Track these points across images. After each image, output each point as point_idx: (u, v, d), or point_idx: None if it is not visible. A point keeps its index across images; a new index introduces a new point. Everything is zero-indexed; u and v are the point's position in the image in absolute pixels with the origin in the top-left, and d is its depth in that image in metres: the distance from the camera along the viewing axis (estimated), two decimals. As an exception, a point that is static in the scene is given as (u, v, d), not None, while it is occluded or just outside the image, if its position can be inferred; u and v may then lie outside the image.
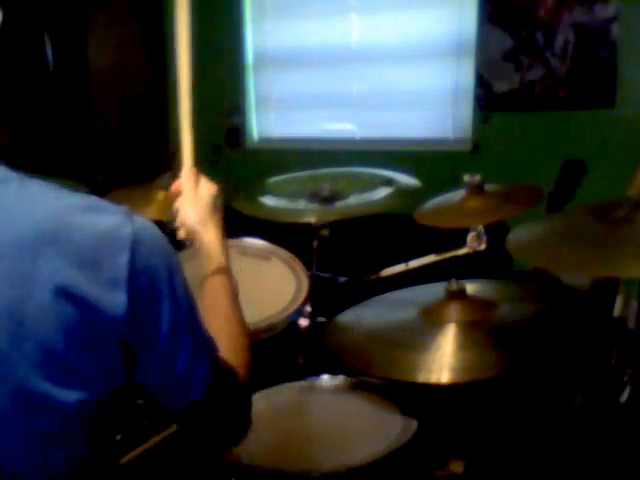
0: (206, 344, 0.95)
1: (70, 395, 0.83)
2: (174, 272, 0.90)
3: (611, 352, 1.61)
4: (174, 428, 1.59)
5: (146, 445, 1.55)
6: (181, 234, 1.25)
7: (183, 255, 1.91)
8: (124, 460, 1.49)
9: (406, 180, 2.02)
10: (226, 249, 1.19)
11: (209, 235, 1.20)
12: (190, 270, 1.73)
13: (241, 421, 1.02)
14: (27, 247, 0.81)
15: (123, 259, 0.84)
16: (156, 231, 0.91)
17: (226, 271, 1.16)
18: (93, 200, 0.89)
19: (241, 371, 1.00)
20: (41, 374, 0.81)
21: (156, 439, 1.58)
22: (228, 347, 1.00)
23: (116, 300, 0.83)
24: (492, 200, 1.74)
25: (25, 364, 0.80)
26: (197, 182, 1.28)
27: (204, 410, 0.95)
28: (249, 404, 1.03)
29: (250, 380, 1.02)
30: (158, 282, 0.87)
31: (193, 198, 1.26)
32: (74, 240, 0.83)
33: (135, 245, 0.85)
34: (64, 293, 0.81)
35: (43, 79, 1.02)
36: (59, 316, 0.81)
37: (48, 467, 0.85)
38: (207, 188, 1.26)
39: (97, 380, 0.86)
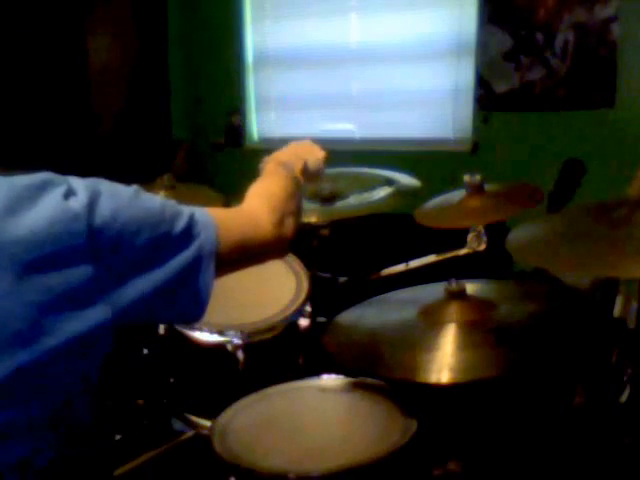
0: (198, 240, 0.95)
1: (48, 384, 0.84)
2: (131, 207, 0.89)
3: (611, 352, 1.61)
4: (170, 443, 1.60)
5: (142, 458, 1.55)
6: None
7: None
8: (119, 472, 1.49)
9: (406, 180, 2.02)
10: (292, 164, 1.28)
11: (281, 153, 1.33)
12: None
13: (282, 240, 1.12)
14: None
15: (80, 226, 0.83)
16: (92, 182, 0.89)
17: (278, 162, 1.28)
18: (35, 177, 0.86)
19: (270, 223, 1.09)
20: (18, 362, 0.80)
21: (152, 453, 1.58)
22: (256, 196, 1.16)
23: (79, 270, 0.82)
24: (492, 200, 1.74)
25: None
26: None
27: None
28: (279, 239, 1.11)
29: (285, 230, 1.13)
30: (123, 227, 0.87)
31: (290, 144, 1.40)
32: (26, 226, 0.81)
33: (86, 208, 0.84)
34: (28, 281, 0.79)
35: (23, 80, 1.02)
36: (27, 304, 0.80)
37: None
38: (307, 141, 1.42)
39: (73, 366, 0.86)
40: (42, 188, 0.84)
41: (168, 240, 0.92)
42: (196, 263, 0.94)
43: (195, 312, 0.99)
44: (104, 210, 0.86)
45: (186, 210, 0.97)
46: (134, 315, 0.90)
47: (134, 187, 0.94)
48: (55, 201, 0.83)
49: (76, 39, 3.43)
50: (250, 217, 1.10)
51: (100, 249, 0.84)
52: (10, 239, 0.80)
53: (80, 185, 0.87)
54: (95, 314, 0.84)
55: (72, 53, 3.40)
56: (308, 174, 1.32)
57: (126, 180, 0.95)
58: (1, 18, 2.96)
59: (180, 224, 0.94)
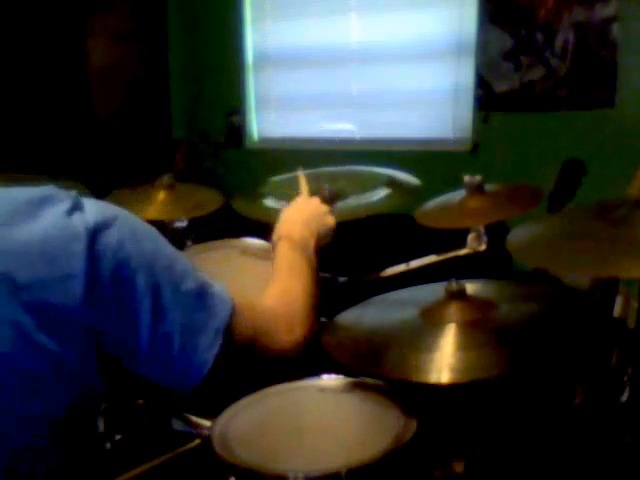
0: (207, 311, 0.89)
1: (35, 405, 0.80)
2: (142, 243, 0.85)
3: (611, 352, 1.61)
4: (171, 454, 1.60)
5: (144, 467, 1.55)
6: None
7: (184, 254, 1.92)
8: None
9: (406, 178, 2.02)
10: (305, 242, 1.19)
11: (292, 224, 1.22)
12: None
13: (291, 353, 1.03)
14: None
15: (79, 248, 0.79)
16: (109, 208, 0.86)
17: (291, 241, 1.17)
18: (36, 191, 0.84)
19: (284, 321, 1.01)
20: (3, 385, 0.78)
21: (154, 462, 1.57)
22: (275, 300, 1.05)
23: (74, 295, 0.79)
24: (492, 200, 1.74)
25: None
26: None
27: (221, 374, 0.94)
28: (295, 343, 1.04)
29: (307, 331, 1.06)
30: (125, 260, 0.82)
31: (294, 203, 1.33)
32: (20, 240, 0.78)
33: (90, 230, 0.81)
34: (16, 299, 0.77)
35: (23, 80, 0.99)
36: (13, 324, 0.77)
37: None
38: (315, 202, 1.33)
39: (64, 387, 0.82)
40: (43, 203, 0.81)
41: (175, 294, 0.86)
42: (200, 330, 0.87)
43: (183, 382, 0.91)
44: (111, 236, 0.82)
45: (203, 276, 0.91)
46: (117, 355, 0.85)
47: (155, 230, 0.89)
48: (56, 217, 0.80)
49: (76, 40, 3.43)
50: (268, 319, 1.01)
51: (98, 276, 0.80)
52: (6, 250, 0.77)
53: (93, 206, 0.84)
54: (81, 340, 0.81)
55: (72, 54, 3.40)
56: (319, 246, 1.23)
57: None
58: (2, 19, 2.96)
59: (191, 282, 0.88)
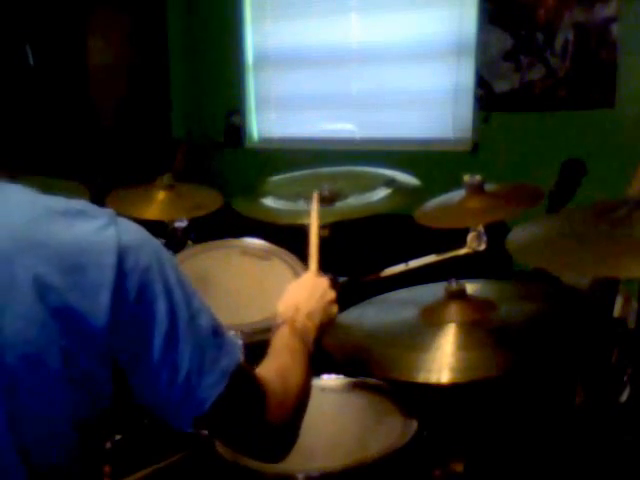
0: (218, 349, 0.89)
1: (52, 406, 0.82)
2: (167, 271, 0.87)
3: (611, 352, 1.61)
4: (172, 454, 1.60)
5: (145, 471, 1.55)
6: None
7: (184, 254, 1.92)
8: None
9: (406, 179, 2.02)
10: (306, 333, 1.15)
11: (296, 311, 1.18)
12: (190, 267, 1.73)
13: (271, 442, 0.99)
14: (3, 255, 0.79)
15: (109, 262, 0.81)
16: (143, 232, 0.89)
17: (293, 329, 1.14)
18: (73, 204, 0.86)
19: (277, 401, 0.97)
20: (24, 385, 0.80)
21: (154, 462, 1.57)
22: (273, 373, 1.00)
23: (99, 306, 0.80)
24: (492, 200, 1.74)
25: (6, 375, 0.79)
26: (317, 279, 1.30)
27: (213, 424, 0.92)
28: (285, 432, 0.99)
29: (293, 419, 1.00)
30: (149, 283, 0.84)
31: (303, 280, 1.28)
32: (54, 246, 0.80)
33: (121, 247, 0.83)
34: (44, 301, 0.79)
35: (23, 78, 1.00)
36: (40, 326, 0.79)
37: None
38: (324, 285, 1.27)
39: (80, 391, 0.84)
40: (79, 215, 0.84)
41: (190, 327, 0.86)
42: (208, 366, 0.87)
43: (179, 414, 0.89)
44: (140, 258, 0.84)
45: (220, 323, 0.92)
46: (124, 369, 0.86)
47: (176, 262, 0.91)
48: (90, 230, 0.83)
49: (77, 39, 3.43)
50: (265, 387, 0.98)
51: (123, 292, 0.82)
52: (40, 254, 0.79)
53: (126, 226, 0.86)
54: (100, 349, 0.83)
55: (72, 53, 3.40)
56: (318, 338, 1.20)
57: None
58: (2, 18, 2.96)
59: (207, 319, 0.89)
